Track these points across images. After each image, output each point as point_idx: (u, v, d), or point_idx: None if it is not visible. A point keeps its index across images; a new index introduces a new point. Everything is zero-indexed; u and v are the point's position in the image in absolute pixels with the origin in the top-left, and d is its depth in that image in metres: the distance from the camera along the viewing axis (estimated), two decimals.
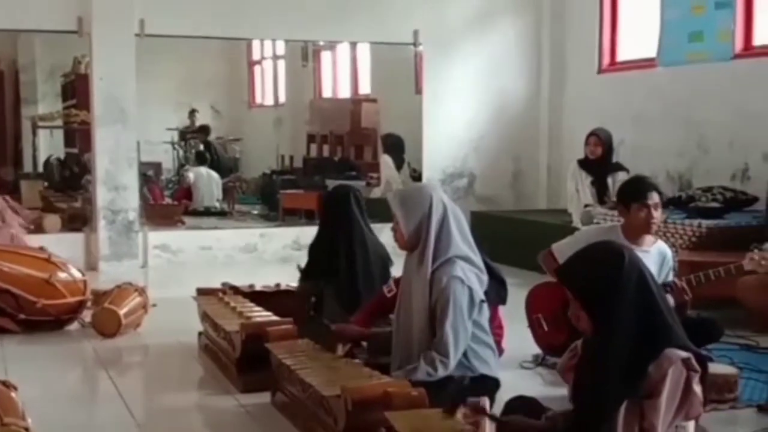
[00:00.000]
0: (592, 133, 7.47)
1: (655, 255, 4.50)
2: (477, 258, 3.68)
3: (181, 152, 12.94)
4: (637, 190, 4.45)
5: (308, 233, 5.26)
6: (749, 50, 7.20)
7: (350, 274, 4.83)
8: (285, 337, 4.10)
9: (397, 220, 3.65)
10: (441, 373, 3.49)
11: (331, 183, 10.14)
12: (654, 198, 4.42)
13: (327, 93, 12.91)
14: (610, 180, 7.37)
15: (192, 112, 13.23)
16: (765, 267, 4.12)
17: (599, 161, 7.44)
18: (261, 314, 4.56)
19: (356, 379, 3.36)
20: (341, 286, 4.77)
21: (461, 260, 3.57)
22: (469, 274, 3.56)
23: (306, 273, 5.11)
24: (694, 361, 2.61)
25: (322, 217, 5.22)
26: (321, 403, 3.36)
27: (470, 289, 3.54)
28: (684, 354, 2.59)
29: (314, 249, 5.13)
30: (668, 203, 6.63)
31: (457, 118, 9.20)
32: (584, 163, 7.55)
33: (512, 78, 9.36)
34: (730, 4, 7.21)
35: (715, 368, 4.23)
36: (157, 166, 12.22)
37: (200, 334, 5.06)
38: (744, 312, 5.14)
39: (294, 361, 3.73)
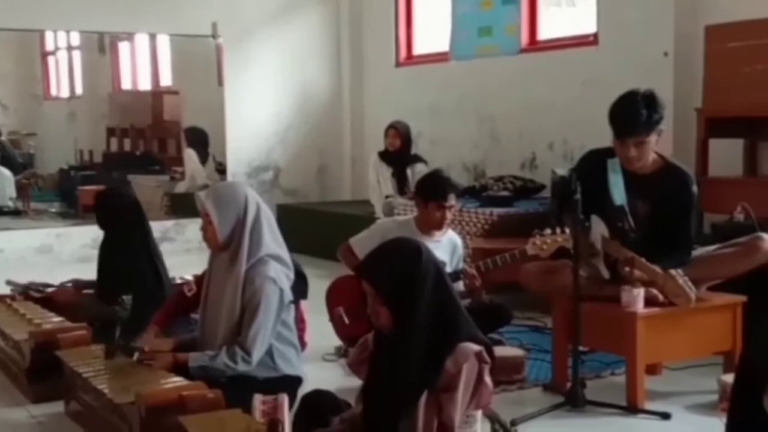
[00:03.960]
0: (390, 126, 7.66)
1: (447, 244, 4.70)
2: (286, 255, 3.70)
3: None
4: (437, 190, 4.59)
5: None
6: (534, 44, 7.56)
7: (162, 280, 4.72)
8: (78, 344, 3.97)
9: (209, 219, 3.59)
10: (241, 368, 3.48)
11: (133, 178, 9.89)
12: (451, 200, 4.60)
13: (126, 85, 12.49)
14: (409, 171, 7.58)
15: None
16: (546, 251, 4.34)
17: (398, 153, 7.63)
18: (52, 320, 4.39)
19: (150, 384, 3.30)
20: (155, 294, 4.60)
21: (273, 260, 3.58)
22: (280, 274, 3.58)
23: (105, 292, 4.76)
24: (485, 354, 2.73)
25: (117, 225, 4.78)
26: (115, 410, 3.28)
27: (281, 290, 3.56)
28: (477, 348, 2.70)
29: (112, 261, 4.80)
30: (463, 193, 6.91)
31: (261, 111, 9.19)
32: (384, 155, 7.73)
33: (314, 71, 9.45)
34: (514, 0, 7.56)
35: (505, 351, 4.47)
36: None
37: None
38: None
39: (87, 369, 3.62)
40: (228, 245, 3.57)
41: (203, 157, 9.94)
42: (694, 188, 4.12)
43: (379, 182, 7.75)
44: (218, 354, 3.48)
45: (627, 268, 3.89)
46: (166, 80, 11.64)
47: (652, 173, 4.08)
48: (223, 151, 9.41)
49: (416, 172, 7.46)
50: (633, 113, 3.96)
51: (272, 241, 3.61)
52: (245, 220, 3.54)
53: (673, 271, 3.83)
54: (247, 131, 9.18)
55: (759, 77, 5.33)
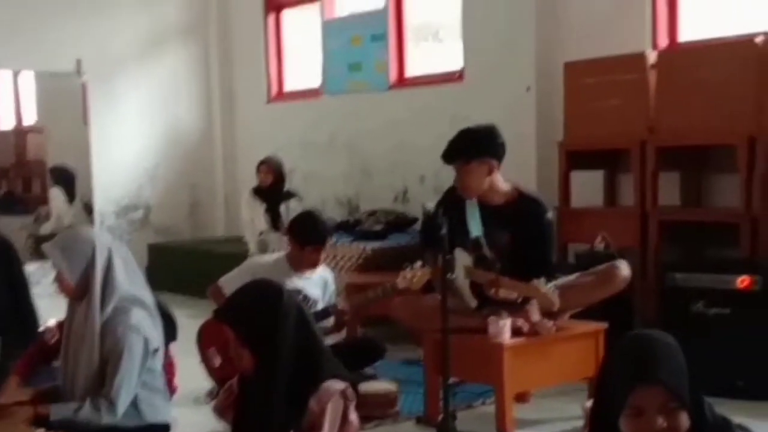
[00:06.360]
0: (262, 162, 7.63)
1: (318, 280, 4.71)
2: (147, 297, 3.61)
3: None
4: (315, 235, 4.62)
5: None
6: (403, 81, 7.70)
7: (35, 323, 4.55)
8: None
9: (59, 269, 3.48)
10: (105, 420, 3.37)
11: None
12: (328, 242, 4.64)
13: None
14: (283, 207, 7.54)
15: None
16: (416, 284, 4.40)
17: (271, 189, 7.59)
18: None
19: None
20: (26, 337, 4.43)
21: (135, 306, 3.48)
22: (143, 321, 3.49)
23: None
24: (349, 391, 2.74)
25: None
26: None
27: (145, 339, 3.47)
28: (341, 385, 2.71)
29: None
30: (337, 228, 6.94)
31: (129, 149, 9.02)
32: (257, 191, 7.68)
33: (184, 108, 9.35)
34: (383, 37, 7.68)
35: (378, 386, 4.50)
36: None
37: None
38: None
39: None
40: (82, 293, 3.47)
41: (70, 197, 9.67)
42: (549, 215, 4.26)
43: (252, 219, 7.69)
44: (82, 406, 3.37)
45: (492, 290, 3.98)
46: (30, 118, 11.29)
47: (506, 204, 4.22)
48: (90, 191, 9.17)
49: (290, 208, 7.43)
50: (450, 142, 4.20)
51: (130, 283, 3.52)
52: (94, 266, 3.44)
53: (535, 281, 3.93)
54: (115, 170, 8.98)
55: (615, 111, 5.58)
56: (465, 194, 4.19)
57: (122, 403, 3.39)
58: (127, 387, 3.40)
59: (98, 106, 8.81)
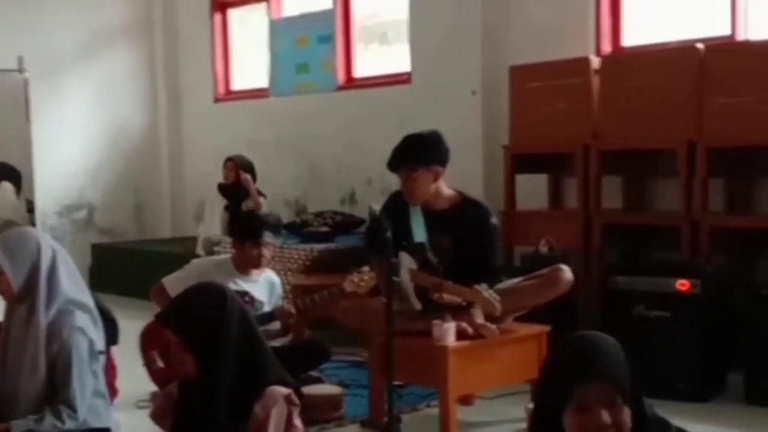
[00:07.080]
0: (228, 158, 7.55)
1: (264, 283, 4.68)
2: (89, 300, 3.56)
3: None
4: (251, 229, 4.61)
5: None
6: (351, 82, 7.71)
7: None
8: None
9: (1, 270, 3.39)
10: (68, 426, 3.33)
11: None
12: (267, 238, 4.60)
13: None
14: (244, 206, 7.46)
15: None
16: (363, 288, 4.40)
17: (234, 186, 7.51)
18: None
19: None
20: None
21: (78, 308, 3.43)
22: (87, 323, 3.44)
23: None
24: (294, 396, 2.72)
25: None
26: None
27: (90, 341, 3.42)
28: (285, 391, 2.69)
29: None
30: (284, 228, 6.90)
31: (72, 148, 8.89)
32: (222, 188, 7.59)
33: (128, 107, 9.24)
34: (330, 38, 7.68)
35: (323, 389, 4.49)
36: None
37: None
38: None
39: None
40: (24, 296, 3.40)
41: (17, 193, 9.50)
42: (493, 220, 4.27)
43: (212, 213, 7.57)
44: (43, 416, 3.31)
45: (437, 294, 4.00)
46: None
47: (450, 209, 4.23)
48: (31, 189, 9.00)
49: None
50: (396, 150, 4.18)
51: (71, 285, 3.46)
52: (40, 267, 3.38)
53: (477, 286, 3.94)
54: (57, 169, 8.83)
55: (559, 115, 5.63)
56: (411, 201, 4.20)
57: (81, 407, 3.35)
58: (81, 389, 3.35)
59: (40, 104, 8.64)
